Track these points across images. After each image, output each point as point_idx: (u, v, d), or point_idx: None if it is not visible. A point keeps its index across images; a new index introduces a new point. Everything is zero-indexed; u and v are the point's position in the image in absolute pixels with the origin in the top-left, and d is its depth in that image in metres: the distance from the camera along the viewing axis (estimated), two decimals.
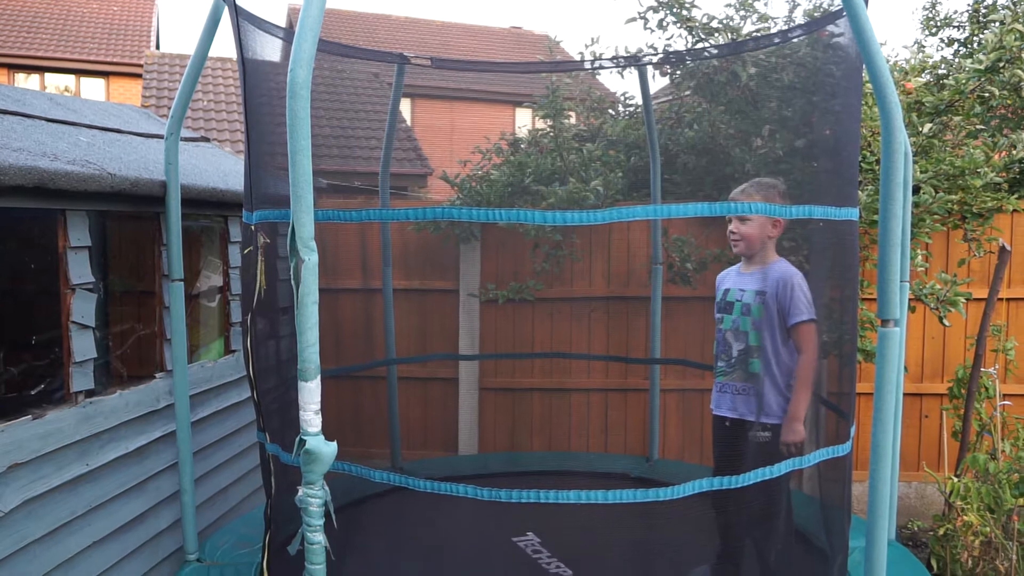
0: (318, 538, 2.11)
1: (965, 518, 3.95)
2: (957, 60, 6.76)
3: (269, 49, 3.40)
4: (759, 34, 5.41)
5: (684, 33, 5.46)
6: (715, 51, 4.96)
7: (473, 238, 5.59)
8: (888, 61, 6.82)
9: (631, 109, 6.72)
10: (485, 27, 23.74)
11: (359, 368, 4.97)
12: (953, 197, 4.76)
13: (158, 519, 3.54)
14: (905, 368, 4.54)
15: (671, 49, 5.38)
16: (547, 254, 5.42)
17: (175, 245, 3.38)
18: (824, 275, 3.15)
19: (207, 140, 5.64)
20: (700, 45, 5.33)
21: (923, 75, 6.08)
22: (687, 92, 5.67)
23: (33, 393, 3.38)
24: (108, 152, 3.46)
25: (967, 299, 4.69)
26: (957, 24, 8.33)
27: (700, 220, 5.21)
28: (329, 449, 2.06)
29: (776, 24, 5.68)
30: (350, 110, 13.36)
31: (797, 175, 4.76)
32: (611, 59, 4.82)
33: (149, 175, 3.32)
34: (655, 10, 5.42)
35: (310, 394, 2.05)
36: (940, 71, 6.13)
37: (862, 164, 4.94)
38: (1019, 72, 4.98)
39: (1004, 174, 5.18)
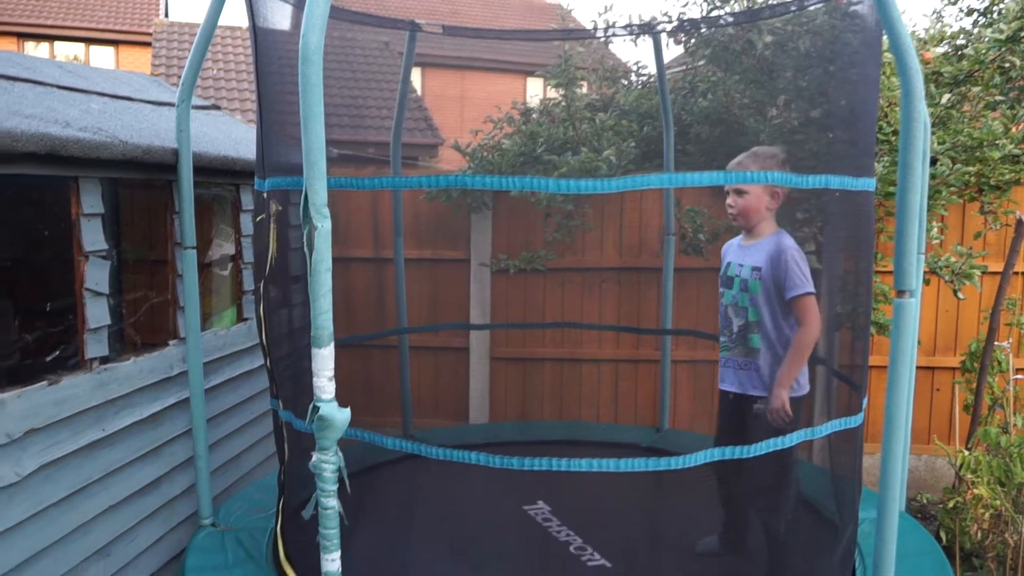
0: (332, 503, 2.13)
1: (975, 491, 3.94)
2: (977, 30, 6.64)
3: (280, 16, 3.37)
4: (776, 1, 5.32)
5: (699, 0, 5.39)
6: (731, 19, 4.88)
7: (485, 207, 5.57)
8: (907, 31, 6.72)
9: (644, 78, 6.65)
10: None
11: (371, 337, 4.99)
12: (970, 169, 4.70)
13: (173, 484, 3.58)
14: (918, 341, 4.52)
15: (686, 17, 5.30)
16: (559, 224, 5.40)
17: (187, 213, 3.38)
18: (839, 246, 3.13)
19: (218, 108, 5.61)
20: (715, 13, 5.25)
21: (942, 45, 5.98)
22: (701, 61, 5.60)
23: (48, 360, 3.41)
24: (120, 120, 3.45)
25: (982, 272, 4.65)
26: None
27: (713, 190, 5.17)
28: (342, 415, 2.08)
29: None
30: (360, 79, 13.27)
31: (812, 145, 4.71)
32: (625, 27, 4.76)
33: (161, 143, 3.31)
34: None
35: (324, 360, 2.06)
36: (959, 41, 6.03)
37: (878, 135, 4.88)
38: None
39: (1023, 146, 5.10)
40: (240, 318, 4.28)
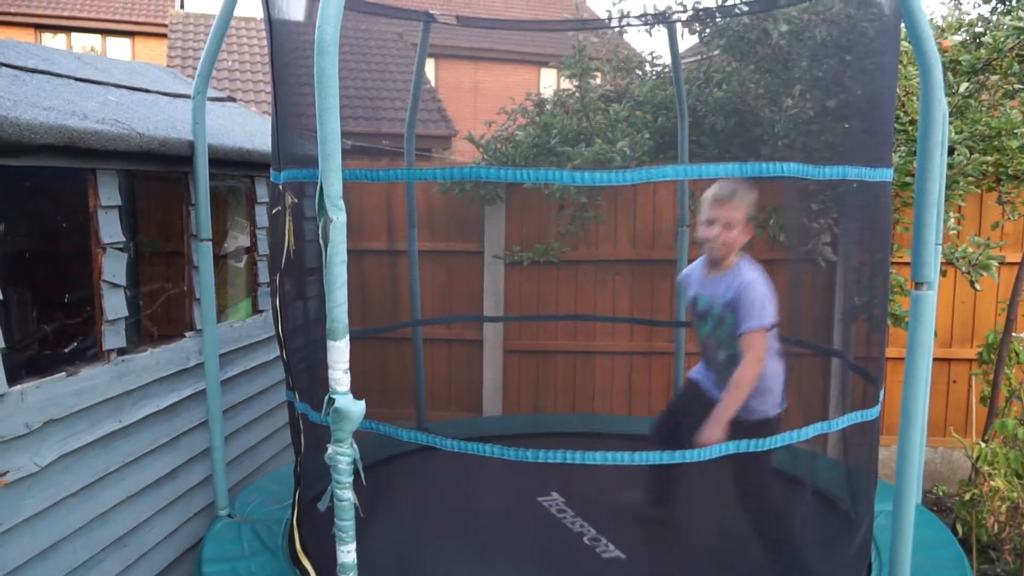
0: (347, 495, 2.14)
1: (992, 483, 3.92)
2: (996, 17, 6.56)
3: (295, 7, 3.37)
4: None
5: None
6: (746, 8, 4.84)
7: (498, 200, 5.57)
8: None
9: (659, 69, 6.62)
10: None
11: (385, 329, 5.00)
12: (988, 159, 4.65)
13: (189, 475, 3.60)
14: (935, 332, 4.49)
15: (701, 6, 5.26)
16: (572, 216, 5.39)
17: (203, 205, 3.39)
18: (856, 238, 3.10)
19: (233, 100, 5.63)
20: (731, 2, 5.21)
21: (960, 33, 5.91)
22: (716, 51, 5.56)
23: (67, 351, 3.44)
24: (136, 112, 3.46)
25: (1000, 263, 4.61)
26: None
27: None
28: (357, 408, 2.08)
29: None
30: (375, 70, 13.27)
31: (828, 136, 4.67)
32: (639, 17, 4.73)
33: (177, 135, 3.32)
34: None
35: (339, 353, 2.07)
36: (977, 29, 5.96)
37: (895, 125, 4.84)
38: None
39: None
40: (255, 310, 4.30)
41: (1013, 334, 4.44)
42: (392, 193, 5.56)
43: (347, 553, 2.18)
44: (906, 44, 4.27)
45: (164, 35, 15.70)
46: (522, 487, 3.79)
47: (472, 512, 3.64)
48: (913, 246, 2.20)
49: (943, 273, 4.57)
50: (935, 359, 5.10)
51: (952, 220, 4.59)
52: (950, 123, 4.77)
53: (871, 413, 2.52)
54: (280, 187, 2.89)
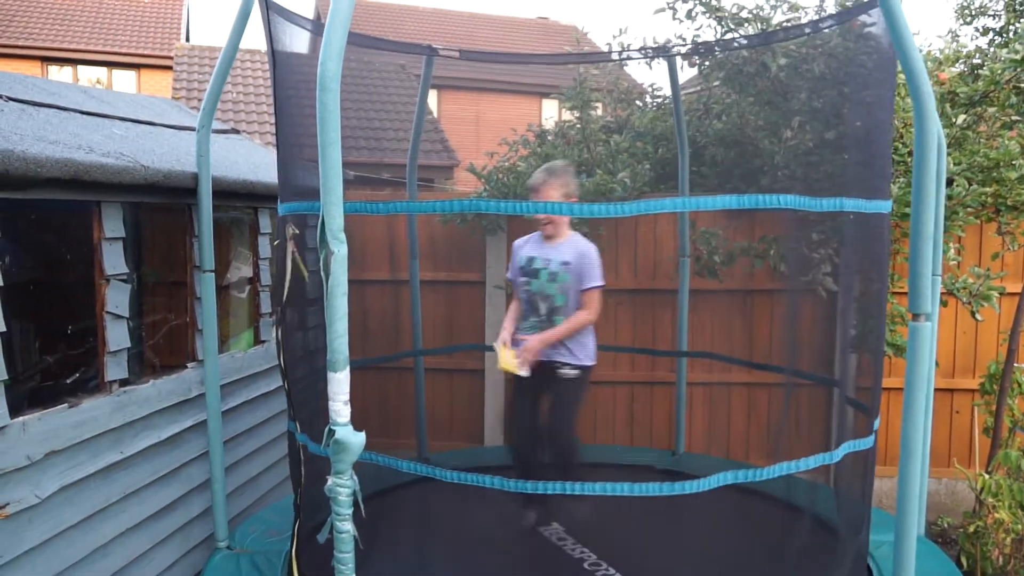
0: (347, 527, 2.14)
1: (996, 515, 3.90)
2: (993, 49, 6.64)
3: (298, 42, 3.43)
4: (789, 24, 5.35)
5: (713, 23, 5.41)
6: (744, 41, 4.91)
7: (500, 230, 5.59)
8: (921, 51, 6.71)
9: (659, 100, 6.68)
10: (512, 18, 23.66)
11: (386, 359, 5.00)
12: (987, 190, 4.68)
13: (189, 507, 3.59)
14: (936, 363, 4.48)
15: (700, 40, 5.33)
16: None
17: (206, 236, 3.42)
18: (854, 268, 3.12)
19: (237, 132, 5.69)
20: (729, 35, 5.28)
21: (957, 65, 5.97)
22: (716, 83, 5.62)
23: (69, 382, 3.45)
24: (141, 144, 3.50)
25: (1000, 293, 4.62)
26: (993, 13, 8.18)
27: (728, 213, 5.17)
28: (357, 439, 2.09)
29: (807, 14, 5.61)
30: (377, 102, 13.39)
31: (827, 167, 4.71)
32: (639, 50, 4.79)
33: (181, 167, 3.36)
34: (684, 0, 5.38)
35: (339, 384, 2.08)
36: (975, 61, 6.02)
37: (894, 156, 4.87)
38: None
39: None
40: (257, 340, 4.32)
41: (1015, 364, 4.43)
42: (394, 224, 5.59)
43: None
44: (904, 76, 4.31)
45: (169, 67, 15.88)
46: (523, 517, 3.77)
47: (473, 541, 3.62)
48: (909, 278, 2.21)
49: (944, 304, 4.58)
50: (938, 389, 5.09)
51: (952, 251, 4.61)
52: (949, 154, 4.80)
53: (866, 443, 2.52)
54: (283, 218, 2.92)
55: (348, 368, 2.09)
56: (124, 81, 18.87)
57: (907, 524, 2.28)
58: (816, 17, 5.47)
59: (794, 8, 5.52)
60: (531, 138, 6.29)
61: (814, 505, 3.42)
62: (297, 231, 2.87)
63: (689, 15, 5.40)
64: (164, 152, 3.54)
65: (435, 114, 15.85)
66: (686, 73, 7.73)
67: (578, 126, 6.02)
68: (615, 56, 5.23)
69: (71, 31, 18.71)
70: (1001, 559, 3.95)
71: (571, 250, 3.67)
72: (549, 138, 6.33)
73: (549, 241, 3.74)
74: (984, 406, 4.76)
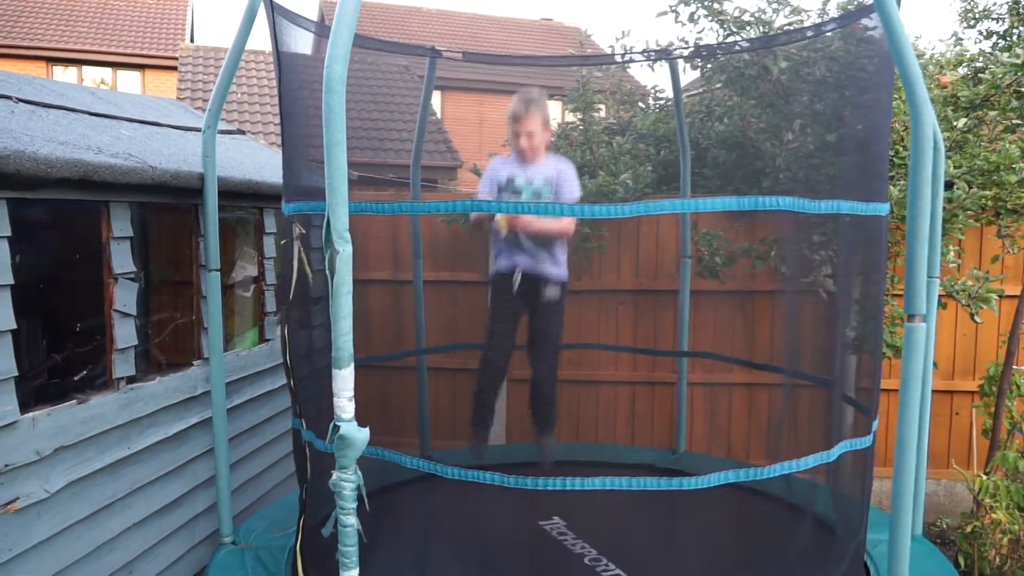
0: (351, 521, 2.18)
1: (994, 516, 3.93)
2: (995, 53, 6.66)
3: (303, 43, 3.47)
4: (791, 27, 5.38)
5: (715, 26, 5.45)
6: (746, 44, 4.94)
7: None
8: (924, 55, 6.74)
9: (661, 102, 6.72)
10: (516, 19, 23.70)
11: (390, 357, 5.04)
12: (987, 193, 4.71)
13: (195, 503, 3.64)
14: (935, 364, 4.51)
15: (702, 43, 5.36)
16: (576, 247, 5.45)
17: (212, 236, 3.46)
18: (852, 270, 3.16)
19: (242, 133, 5.73)
20: (731, 39, 5.31)
21: (960, 68, 6.00)
22: (718, 86, 5.65)
23: (77, 379, 3.49)
24: (148, 145, 3.55)
25: (999, 296, 4.64)
26: (996, 16, 8.20)
27: (729, 214, 5.21)
28: (362, 435, 2.13)
29: (809, 17, 5.64)
30: (381, 102, 13.43)
31: (828, 169, 4.74)
32: (642, 52, 4.83)
33: (188, 168, 3.40)
34: (686, 3, 5.41)
35: (344, 381, 2.11)
36: (977, 64, 6.05)
37: (895, 159, 4.91)
38: None
39: None
40: (262, 339, 4.36)
41: (1014, 367, 4.46)
42: (398, 224, 5.63)
43: None
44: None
45: (174, 68, 15.93)
46: (524, 513, 3.82)
47: (474, 536, 3.66)
48: (905, 280, 2.25)
49: (944, 306, 4.61)
50: (937, 391, 5.12)
51: (952, 253, 4.64)
52: (949, 158, 4.83)
53: (864, 442, 2.55)
54: (289, 218, 2.96)
55: (352, 365, 2.13)
56: (129, 81, 18.93)
57: (902, 521, 2.32)
58: (818, 20, 5.52)
59: (796, 11, 5.55)
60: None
61: (813, 504, 3.45)
62: (303, 231, 2.91)
63: (691, 18, 5.43)
64: (171, 153, 3.59)
65: (439, 115, 15.89)
66: (688, 75, 7.77)
67: (581, 127, 6.05)
68: (618, 59, 5.27)
69: (76, 31, 18.78)
70: (998, 559, 3.98)
71: (554, 167, 3.84)
72: (552, 139, 6.36)
73: (528, 162, 3.85)
74: (983, 408, 4.79)
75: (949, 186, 4.63)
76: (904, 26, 2.28)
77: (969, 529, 4.10)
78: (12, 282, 2.55)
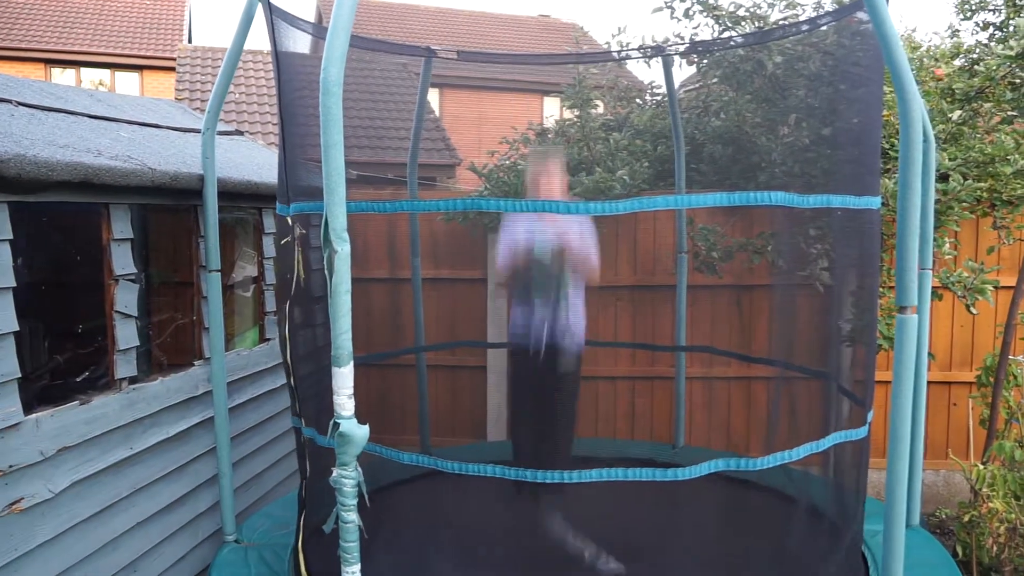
0: (352, 517, 2.21)
1: (991, 505, 3.95)
2: (991, 45, 6.67)
3: (301, 44, 3.50)
4: (786, 22, 5.40)
5: (711, 22, 5.47)
6: (741, 40, 4.96)
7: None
8: (920, 47, 6.76)
9: (658, 98, 6.73)
10: (513, 16, 23.72)
11: (389, 355, 5.07)
12: (982, 184, 4.72)
13: (197, 501, 3.67)
14: (932, 355, 4.54)
15: (698, 38, 5.39)
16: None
17: (212, 237, 3.49)
18: (846, 263, 3.18)
19: (241, 134, 5.76)
20: (727, 34, 5.33)
21: (957, 60, 6.01)
22: (714, 81, 5.68)
23: (80, 380, 3.52)
24: (148, 147, 3.57)
25: (995, 287, 4.66)
26: (993, 8, 8.20)
27: (726, 209, 5.23)
28: (362, 432, 2.15)
29: (804, 11, 5.66)
30: (379, 101, 13.44)
31: (824, 163, 4.76)
32: (637, 49, 4.85)
33: (188, 169, 3.43)
34: None
35: (343, 379, 2.14)
36: (974, 56, 6.06)
37: (890, 152, 4.93)
38: None
39: None
40: (262, 338, 4.39)
41: (1010, 357, 4.49)
42: (396, 222, 5.66)
43: (352, 575, 2.24)
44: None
45: (172, 69, 15.93)
46: (524, 508, 3.84)
47: (473, 533, 3.69)
48: (896, 272, 2.28)
49: (940, 297, 4.63)
50: (935, 382, 5.15)
51: (947, 245, 4.66)
52: (944, 150, 4.86)
53: (859, 433, 2.58)
54: (288, 219, 2.99)
55: (352, 363, 2.15)
56: (127, 82, 18.93)
57: (896, 511, 2.35)
58: (813, 14, 5.53)
59: (791, 6, 5.57)
60: (532, 136, 6.34)
61: (810, 496, 3.48)
62: (303, 230, 2.94)
63: (687, 14, 5.45)
64: (170, 154, 3.61)
65: (437, 113, 15.90)
66: (685, 71, 7.78)
67: (578, 124, 6.08)
68: (614, 55, 5.30)
69: (74, 33, 18.79)
70: (995, 548, 4.00)
71: (573, 222, 3.66)
72: (549, 136, 6.39)
73: (548, 219, 3.68)
74: (980, 398, 4.82)
75: (944, 178, 4.65)
76: (892, 19, 2.30)
77: (967, 519, 4.13)
78: (14, 284, 2.57)
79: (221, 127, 5.02)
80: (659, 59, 4.78)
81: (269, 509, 3.98)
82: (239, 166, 4.19)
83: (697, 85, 6.46)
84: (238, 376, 3.98)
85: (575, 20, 26.18)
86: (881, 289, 4.53)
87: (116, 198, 3.08)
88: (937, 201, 4.35)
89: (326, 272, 2.11)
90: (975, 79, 5.20)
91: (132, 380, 3.22)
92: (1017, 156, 4.77)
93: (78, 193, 2.86)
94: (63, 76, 18.45)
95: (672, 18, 5.54)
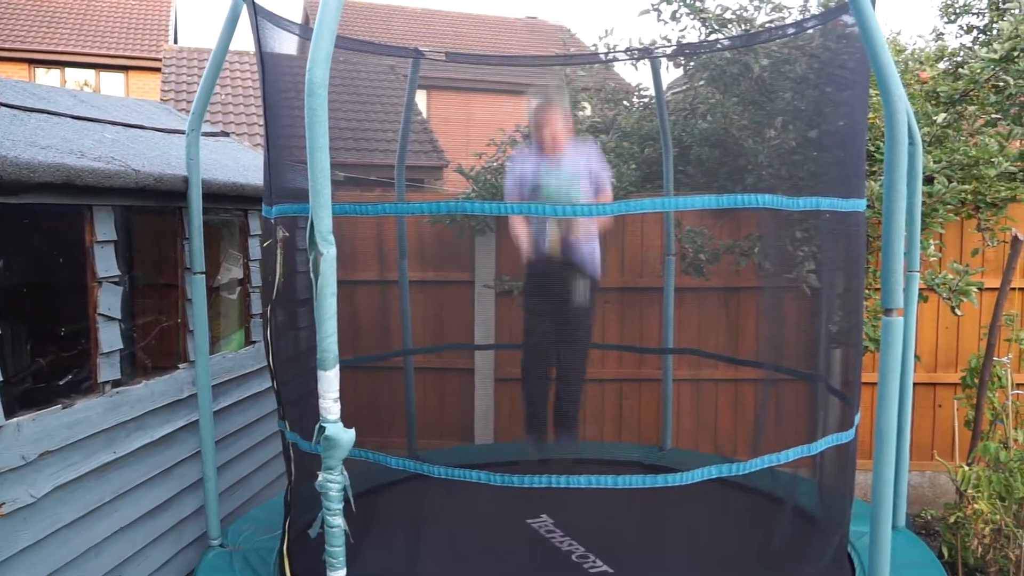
0: (337, 521, 2.19)
1: (976, 506, 3.97)
2: (975, 48, 6.72)
3: (287, 45, 3.48)
4: (772, 25, 5.42)
5: (697, 24, 5.48)
6: (728, 42, 4.97)
7: (488, 230, 5.65)
8: (905, 50, 6.79)
9: (645, 100, 6.75)
10: (500, 18, 23.70)
11: (376, 358, 5.05)
12: (967, 187, 4.76)
13: (182, 506, 3.63)
14: (917, 357, 4.55)
15: (684, 41, 5.40)
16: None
17: (197, 239, 3.46)
18: (833, 265, 3.19)
19: (226, 135, 5.73)
20: (713, 36, 5.34)
21: (941, 63, 6.05)
22: (700, 83, 5.69)
23: (62, 383, 3.47)
24: (132, 148, 3.54)
25: (980, 289, 4.69)
26: (976, 11, 8.26)
27: (713, 211, 5.24)
28: (347, 436, 2.14)
29: (790, 14, 5.68)
30: (366, 102, 13.40)
31: (811, 166, 4.78)
32: (625, 51, 4.85)
33: (172, 171, 3.40)
34: (668, 1, 5.44)
35: (329, 383, 2.12)
36: (958, 59, 6.10)
37: (876, 154, 4.95)
38: None
39: (1019, 164, 5.17)
40: (248, 341, 4.36)
41: (994, 358, 4.51)
42: (383, 224, 5.63)
43: None
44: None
45: (158, 69, 15.84)
46: (512, 511, 3.84)
47: (462, 536, 3.68)
48: (882, 274, 2.28)
49: (925, 299, 4.65)
50: (920, 384, 5.17)
51: (932, 247, 4.69)
52: (929, 152, 4.88)
53: (847, 436, 2.59)
54: (272, 220, 2.97)
55: (338, 366, 2.14)
56: (112, 83, 18.82)
57: (882, 512, 2.35)
58: (800, 18, 5.55)
59: (777, 9, 5.59)
60: (519, 138, 6.34)
61: (797, 497, 3.49)
62: (287, 233, 2.92)
63: (673, 16, 5.47)
64: (154, 156, 3.58)
65: (424, 114, 15.88)
66: (672, 73, 7.80)
67: None
68: (601, 57, 5.30)
69: (58, 33, 18.65)
70: (981, 549, 4.02)
71: (580, 154, 3.73)
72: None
73: (551, 153, 3.73)
74: (965, 399, 4.84)
75: (929, 180, 4.67)
76: (878, 22, 2.31)
77: (952, 520, 4.14)
78: None
79: (206, 128, 5.00)
80: (646, 61, 4.79)
81: (254, 513, 3.95)
82: (224, 167, 4.16)
83: (684, 88, 6.48)
84: (223, 379, 3.95)
85: (562, 22, 26.24)
86: (867, 291, 4.55)
87: (99, 200, 3.05)
88: (922, 203, 4.37)
89: (312, 275, 2.10)
90: (959, 82, 5.24)
91: (116, 383, 3.18)
92: (1001, 159, 4.80)
93: (61, 195, 2.83)
94: (47, 76, 18.31)
95: (659, 21, 5.56)
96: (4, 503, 2.60)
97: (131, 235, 4.09)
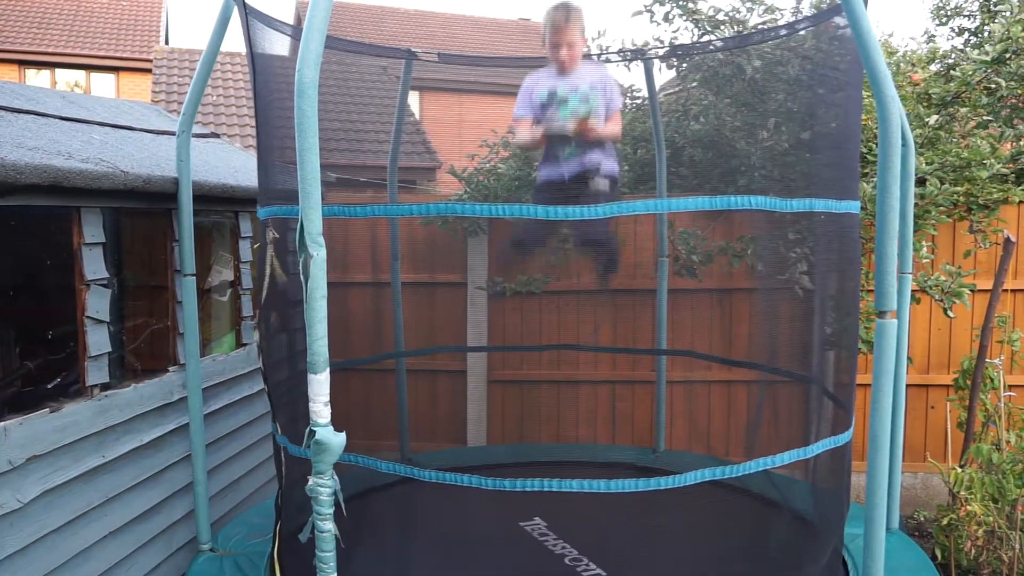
0: (328, 526, 2.17)
1: (969, 508, 3.97)
2: (966, 50, 6.73)
3: (279, 45, 3.45)
4: (765, 26, 5.41)
5: (690, 26, 5.47)
6: (720, 44, 4.96)
7: (481, 231, 5.63)
8: (897, 52, 6.80)
9: (638, 102, 6.74)
10: (493, 19, 23.69)
11: (368, 361, 5.03)
12: (959, 189, 4.76)
13: (172, 510, 3.60)
14: (910, 359, 4.56)
15: (677, 42, 5.38)
16: (554, 247, 5.45)
17: (187, 241, 3.44)
18: (827, 267, 3.18)
19: (217, 136, 5.70)
20: (706, 38, 5.33)
21: (932, 65, 6.06)
22: (693, 85, 5.68)
23: (50, 387, 3.44)
24: (121, 150, 3.51)
25: (972, 290, 4.69)
26: (967, 14, 8.29)
27: (706, 213, 5.24)
28: (338, 439, 2.12)
29: (783, 16, 5.68)
30: (359, 103, 13.38)
31: (803, 167, 4.78)
32: (617, 52, 4.84)
33: (162, 172, 3.37)
34: (661, 3, 5.43)
35: (319, 386, 2.10)
36: (949, 61, 6.11)
37: (869, 156, 4.96)
38: None
39: (1011, 165, 5.18)
40: (239, 343, 4.33)
41: (987, 360, 4.52)
42: (375, 226, 5.61)
43: None
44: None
45: (149, 70, 15.79)
46: (505, 514, 3.82)
47: (455, 539, 3.66)
48: (875, 276, 2.27)
49: (917, 301, 4.65)
50: (913, 385, 5.17)
51: (924, 249, 4.69)
52: (921, 154, 4.88)
53: (843, 438, 2.58)
54: (263, 222, 2.95)
55: (328, 369, 2.12)
56: (103, 84, 18.75)
57: (876, 514, 2.34)
58: (792, 19, 5.55)
59: (770, 10, 5.59)
60: (511, 139, 6.32)
61: (792, 500, 3.48)
62: (277, 235, 2.90)
63: (666, 18, 5.46)
64: (144, 157, 3.55)
65: (417, 116, 15.85)
66: (664, 75, 7.80)
67: None
68: (593, 59, 5.28)
69: (49, 34, 18.57)
70: (974, 551, 4.02)
71: (594, 73, 3.73)
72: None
73: (568, 71, 3.71)
74: (958, 401, 4.85)
75: (921, 182, 4.67)
76: (871, 24, 2.30)
77: (945, 521, 4.14)
78: None
79: (197, 129, 4.96)
80: (639, 63, 4.77)
81: (245, 517, 3.92)
82: (215, 169, 4.14)
83: (677, 89, 6.47)
84: (214, 382, 3.92)
85: None
86: (860, 293, 4.55)
87: (87, 201, 3.02)
88: (915, 205, 4.37)
89: (302, 278, 2.08)
90: (951, 84, 5.24)
91: (104, 387, 3.16)
92: (993, 160, 4.81)
93: (48, 196, 2.80)
94: (38, 77, 18.23)
95: (652, 22, 5.54)
96: None
97: (120, 237, 4.06)
